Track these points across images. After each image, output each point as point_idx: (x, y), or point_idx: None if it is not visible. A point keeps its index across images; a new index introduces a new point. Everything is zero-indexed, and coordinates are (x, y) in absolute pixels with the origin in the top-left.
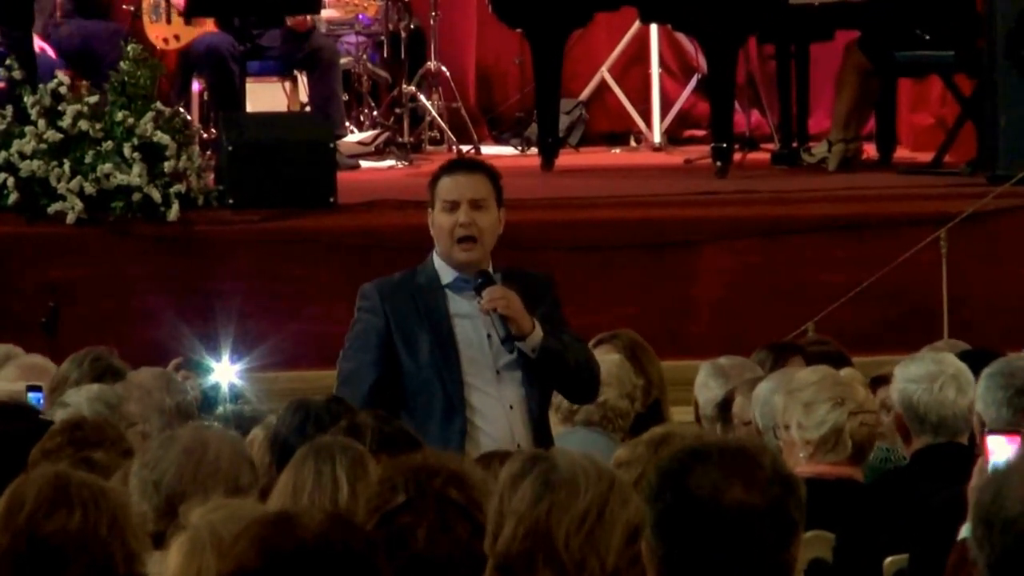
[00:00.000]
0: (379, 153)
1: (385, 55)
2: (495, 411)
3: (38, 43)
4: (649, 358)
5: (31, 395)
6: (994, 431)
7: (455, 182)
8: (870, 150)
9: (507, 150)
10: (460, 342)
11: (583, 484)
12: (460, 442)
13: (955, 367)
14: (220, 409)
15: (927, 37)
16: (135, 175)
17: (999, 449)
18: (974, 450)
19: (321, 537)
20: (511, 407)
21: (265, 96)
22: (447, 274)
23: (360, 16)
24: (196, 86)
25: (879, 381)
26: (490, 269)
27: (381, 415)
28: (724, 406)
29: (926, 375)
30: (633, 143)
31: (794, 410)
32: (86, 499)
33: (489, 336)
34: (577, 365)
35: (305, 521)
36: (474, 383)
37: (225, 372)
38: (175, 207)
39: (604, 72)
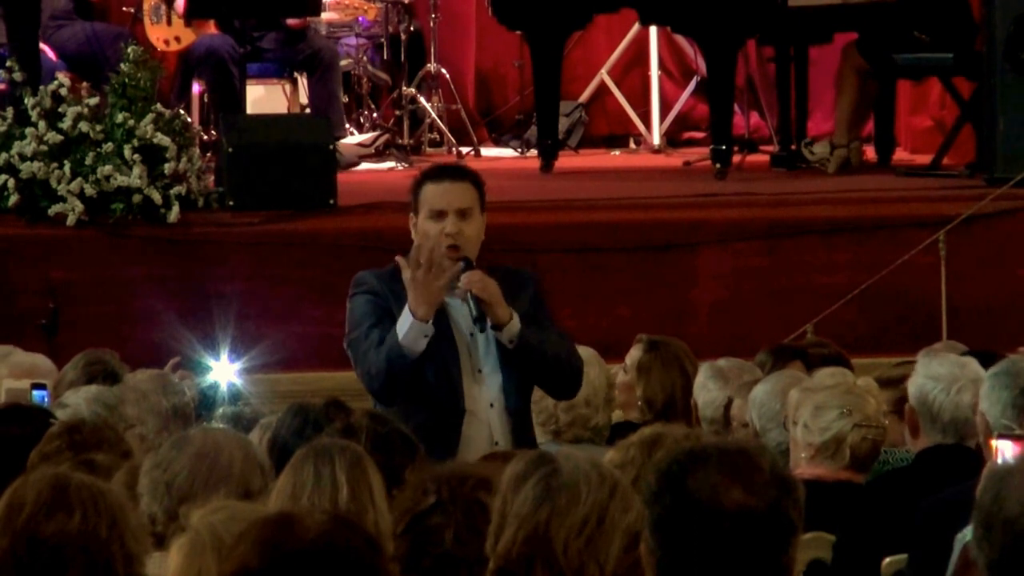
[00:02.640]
0: (379, 155)
1: (385, 57)
2: (476, 408)
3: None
4: (662, 377)
5: (35, 393)
6: (1004, 435)
7: (443, 190)
8: (869, 152)
9: (506, 152)
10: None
11: (584, 490)
12: (457, 436)
13: (976, 373)
14: (219, 410)
15: (926, 39)
16: (135, 177)
17: (1007, 453)
18: (979, 454)
19: (323, 538)
20: (491, 405)
21: (265, 98)
22: None
23: (360, 19)
24: (196, 88)
25: (885, 383)
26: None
27: (376, 415)
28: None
29: (947, 376)
30: (632, 145)
31: (805, 409)
32: (85, 501)
33: (472, 335)
34: (556, 358)
35: (307, 522)
36: None
37: (224, 372)
38: (175, 209)
39: (603, 74)
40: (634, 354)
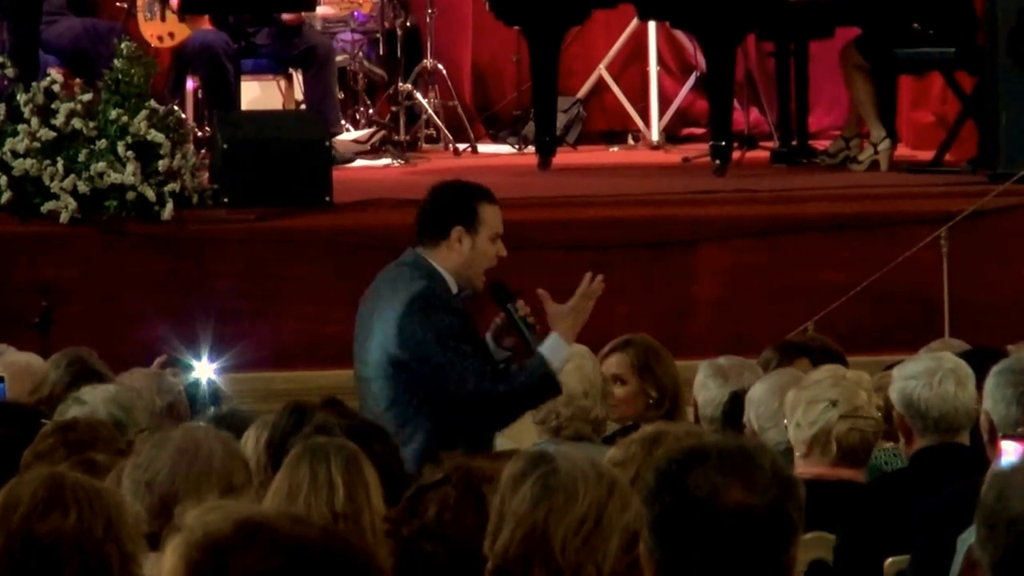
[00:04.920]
0: (375, 151)
1: (381, 53)
2: None
3: None
4: (663, 367)
5: None
6: (1009, 436)
7: (499, 214)
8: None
9: (504, 148)
10: None
11: (582, 489)
12: (490, 448)
13: (953, 362)
14: (211, 410)
15: (928, 33)
16: (129, 174)
17: (1013, 454)
18: (976, 450)
19: (317, 543)
20: None
21: (260, 94)
22: (454, 287)
23: (356, 13)
24: (190, 84)
25: None
26: None
27: (343, 410)
28: (727, 409)
29: (924, 371)
30: (631, 141)
31: (799, 408)
32: (81, 500)
33: None
34: None
35: (299, 530)
36: None
37: (204, 370)
38: (169, 206)
39: (602, 70)
40: (619, 361)
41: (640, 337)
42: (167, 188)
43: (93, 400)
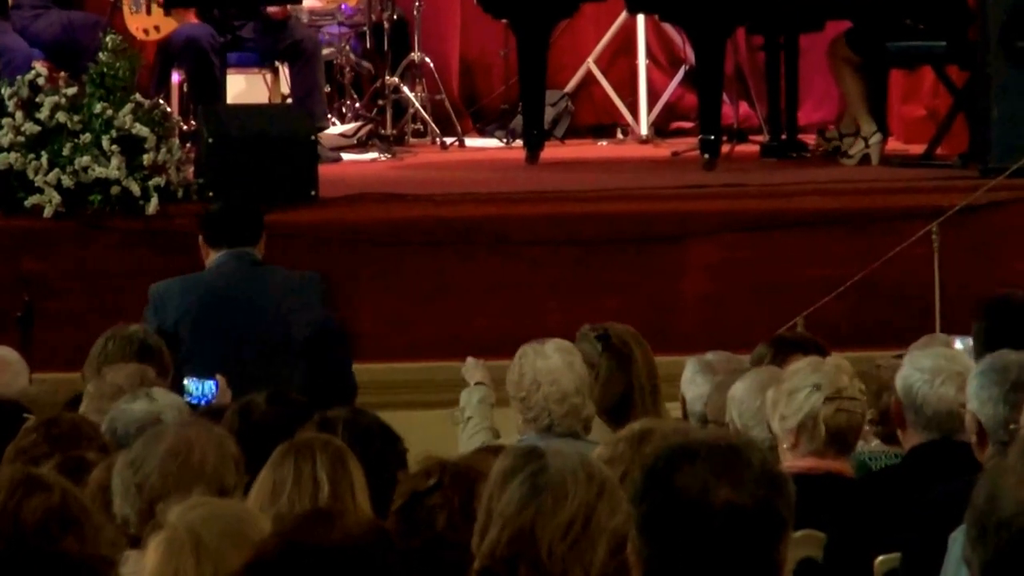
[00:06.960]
0: (361, 146)
1: (368, 46)
2: None
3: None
4: (626, 359)
5: None
6: None
7: None
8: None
9: (492, 142)
10: None
11: (571, 490)
12: None
13: (962, 365)
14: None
15: (920, 27)
16: (113, 168)
17: None
18: (970, 448)
19: (348, 541)
20: None
21: (246, 88)
22: None
23: (343, 6)
24: (176, 78)
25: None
26: None
27: (355, 408)
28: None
29: (931, 368)
30: (620, 135)
31: (779, 401)
32: (51, 500)
33: None
34: None
35: (340, 524)
36: None
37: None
38: (154, 200)
39: (590, 63)
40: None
41: (613, 326)
42: (152, 182)
43: (163, 402)
